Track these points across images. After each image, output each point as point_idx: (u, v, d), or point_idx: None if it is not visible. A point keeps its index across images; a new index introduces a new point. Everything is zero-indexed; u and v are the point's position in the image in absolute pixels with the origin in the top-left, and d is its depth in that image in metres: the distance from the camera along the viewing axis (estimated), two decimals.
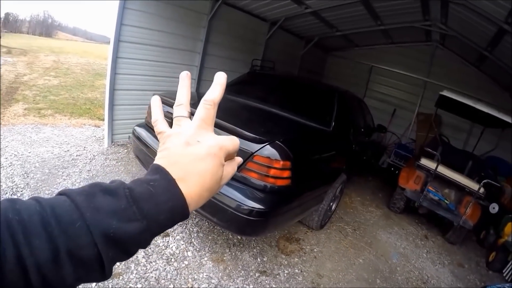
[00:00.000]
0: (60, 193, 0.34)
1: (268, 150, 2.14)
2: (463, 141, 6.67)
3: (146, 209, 0.35)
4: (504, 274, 3.54)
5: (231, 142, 0.45)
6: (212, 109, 0.44)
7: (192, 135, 0.42)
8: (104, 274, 0.33)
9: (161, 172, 0.38)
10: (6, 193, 2.76)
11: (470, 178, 4.08)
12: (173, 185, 0.37)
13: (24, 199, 0.32)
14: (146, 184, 0.36)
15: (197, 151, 0.41)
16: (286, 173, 2.21)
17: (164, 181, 0.37)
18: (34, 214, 0.30)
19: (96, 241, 0.31)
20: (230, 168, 0.46)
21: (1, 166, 3.17)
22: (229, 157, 0.46)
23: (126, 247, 0.34)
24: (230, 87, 3.92)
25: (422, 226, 4.47)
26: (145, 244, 0.36)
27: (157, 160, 0.40)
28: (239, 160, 0.49)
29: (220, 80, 0.46)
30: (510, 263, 3.55)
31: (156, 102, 0.50)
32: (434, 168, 3.98)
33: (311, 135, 2.97)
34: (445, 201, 4.07)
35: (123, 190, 0.35)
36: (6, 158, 3.36)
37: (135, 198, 0.34)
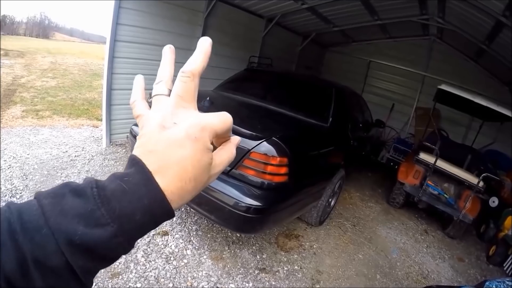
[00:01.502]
0: (34, 196, 0.30)
1: (265, 147, 2.14)
2: (462, 135, 6.67)
3: (118, 210, 0.30)
4: (505, 268, 3.54)
5: (219, 119, 0.37)
6: (191, 81, 0.37)
7: (168, 116, 0.35)
8: (82, 284, 0.30)
9: (137, 164, 0.33)
10: (6, 195, 2.76)
11: (469, 172, 4.08)
12: (149, 178, 0.32)
13: (17, 201, 0.30)
14: (120, 180, 0.31)
15: (173, 135, 0.34)
16: (283, 170, 2.21)
17: (138, 174, 0.32)
18: (4, 221, 0.28)
19: (62, 249, 0.28)
20: (225, 153, 0.39)
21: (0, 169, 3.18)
22: (221, 139, 0.40)
23: (98, 255, 0.29)
24: (227, 84, 3.92)
25: (421, 220, 4.47)
26: (123, 249, 0.31)
27: (134, 150, 0.34)
28: (236, 140, 0.41)
29: (203, 46, 0.38)
30: (510, 257, 3.55)
31: (138, 82, 0.43)
32: (433, 162, 3.97)
33: (308, 131, 2.97)
34: (445, 195, 4.07)
35: (91, 189, 0.30)
36: (5, 161, 3.35)
37: (104, 197, 0.30)
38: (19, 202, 0.30)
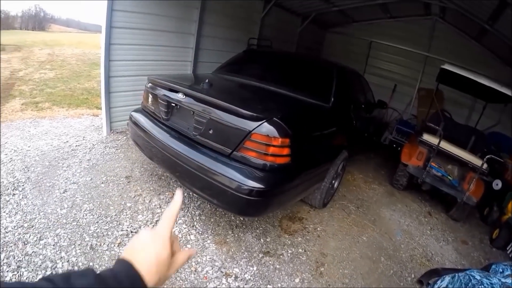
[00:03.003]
0: (44, 278, 0.42)
1: (266, 128, 2.10)
2: (465, 117, 6.60)
3: (111, 285, 0.44)
4: (508, 252, 3.51)
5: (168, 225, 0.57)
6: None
7: (144, 234, 0.55)
8: None
9: (122, 259, 0.50)
10: (8, 188, 2.75)
11: (473, 153, 4.03)
12: (130, 265, 0.48)
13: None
14: (110, 270, 0.47)
15: (143, 239, 0.54)
16: (286, 151, 2.17)
17: (122, 265, 0.49)
18: None
19: None
20: (180, 256, 0.58)
21: (1, 162, 3.16)
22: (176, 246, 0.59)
23: None
24: (226, 67, 3.86)
25: (425, 203, 4.45)
26: None
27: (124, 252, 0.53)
28: (191, 252, 0.63)
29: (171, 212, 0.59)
30: None
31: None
32: (436, 143, 3.92)
33: (310, 111, 2.91)
34: (448, 177, 4.04)
35: (92, 271, 0.44)
36: (6, 154, 3.33)
37: (101, 277, 0.44)
38: (31, 282, 0.43)
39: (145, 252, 0.51)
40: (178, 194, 0.59)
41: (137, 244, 0.53)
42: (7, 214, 2.44)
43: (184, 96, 2.49)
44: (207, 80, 2.64)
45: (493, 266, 2.38)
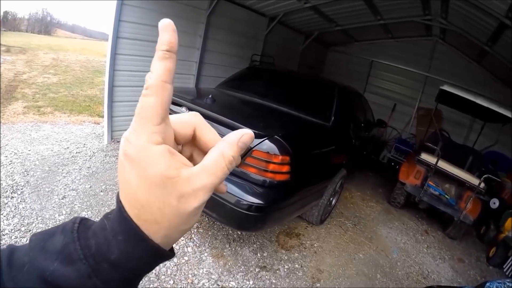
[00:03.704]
0: (32, 235, 0.29)
1: (267, 145, 2.13)
2: (463, 136, 6.66)
3: (94, 246, 0.27)
4: (505, 270, 3.54)
5: (178, 121, 0.32)
6: (149, 96, 0.27)
7: (126, 141, 0.28)
8: None
9: (116, 197, 0.29)
10: (7, 191, 2.76)
11: (470, 173, 4.07)
12: (120, 210, 0.28)
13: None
14: (104, 217, 0.29)
15: (119, 159, 0.29)
16: (285, 168, 2.20)
17: (116, 210, 0.28)
18: None
19: (37, 286, 0.26)
20: (206, 165, 0.29)
21: (1, 164, 3.17)
22: (197, 141, 0.34)
23: None
24: (229, 82, 3.91)
25: (422, 221, 4.47)
26: None
27: None
28: (225, 148, 0.31)
29: (163, 42, 0.27)
30: (510, 258, 3.55)
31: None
32: (434, 163, 3.97)
33: (310, 130, 2.96)
34: (446, 196, 4.07)
35: (73, 224, 0.28)
36: (6, 157, 3.35)
37: (84, 233, 0.28)
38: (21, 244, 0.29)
39: (125, 183, 0.28)
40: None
41: (119, 171, 0.29)
42: (4, 216, 2.45)
43: (187, 110, 2.53)
44: (210, 95, 2.68)
45: (487, 284, 2.38)
